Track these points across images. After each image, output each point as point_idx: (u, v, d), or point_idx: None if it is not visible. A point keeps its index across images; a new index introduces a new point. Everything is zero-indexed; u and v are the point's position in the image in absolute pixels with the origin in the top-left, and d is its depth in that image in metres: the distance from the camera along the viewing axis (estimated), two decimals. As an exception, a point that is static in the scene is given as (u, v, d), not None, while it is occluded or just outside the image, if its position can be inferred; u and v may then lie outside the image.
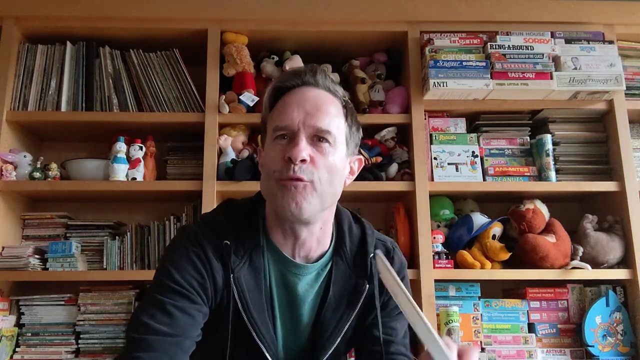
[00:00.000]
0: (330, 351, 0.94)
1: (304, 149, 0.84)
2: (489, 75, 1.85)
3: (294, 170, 0.84)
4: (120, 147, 1.88)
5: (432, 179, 1.89)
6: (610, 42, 1.93)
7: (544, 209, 1.90)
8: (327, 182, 0.87)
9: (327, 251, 0.96)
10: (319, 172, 0.85)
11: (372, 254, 0.97)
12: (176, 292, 0.84)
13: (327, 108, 0.88)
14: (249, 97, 1.89)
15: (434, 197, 1.92)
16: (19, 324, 1.83)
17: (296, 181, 0.84)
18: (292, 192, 0.84)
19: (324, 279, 0.95)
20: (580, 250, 1.84)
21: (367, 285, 0.95)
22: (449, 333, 1.74)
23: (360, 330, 1.00)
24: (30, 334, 1.81)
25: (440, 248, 1.84)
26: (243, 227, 0.93)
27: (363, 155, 1.90)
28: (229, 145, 1.88)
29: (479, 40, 1.94)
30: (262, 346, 0.89)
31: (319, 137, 0.87)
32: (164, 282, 0.85)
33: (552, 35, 1.94)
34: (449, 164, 1.91)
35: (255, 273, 0.90)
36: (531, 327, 1.86)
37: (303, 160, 0.84)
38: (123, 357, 0.80)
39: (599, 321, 1.82)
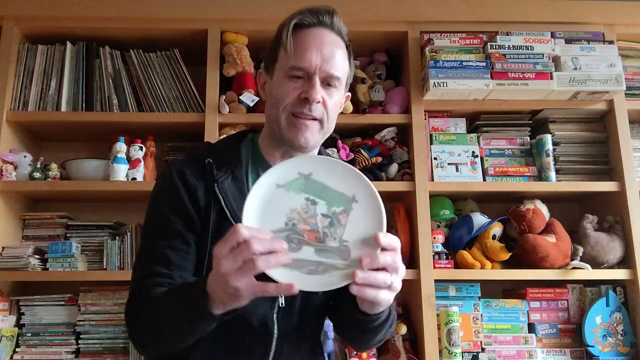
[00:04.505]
0: None
1: (319, 92, 0.95)
2: (489, 75, 1.85)
3: (310, 109, 0.96)
4: (120, 147, 1.88)
5: (432, 179, 1.89)
6: (610, 42, 1.93)
7: (544, 209, 1.90)
8: (332, 119, 1.00)
9: None
10: (328, 112, 0.98)
11: None
12: (167, 234, 0.95)
13: (339, 55, 0.98)
14: (249, 97, 1.89)
15: (434, 197, 1.93)
16: (19, 324, 1.83)
17: (309, 120, 0.96)
18: (302, 128, 0.97)
19: None
20: (580, 250, 1.84)
21: None
22: (449, 333, 1.74)
23: None
24: (30, 334, 1.81)
25: (440, 248, 1.84)
26: (224, 150, 1.04)
27: (363, 156, 1.91)
28: (229, 145, 1.88)
29: (479, 40, 1.94)
30: None
31: (329, 82, 0.98)
32: (152, 226, 0.99)
33: (552, 35, 1.94)
34: (449, 164, 1.91)
35: (239, 184, 0.99)
36: (531, 327, 1.86)
37: (317, 102, 0.95)
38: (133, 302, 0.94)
39: (599, 321, 1.82)
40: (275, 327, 0.96)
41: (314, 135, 0.98)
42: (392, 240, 0.78)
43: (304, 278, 0.76)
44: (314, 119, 0.97)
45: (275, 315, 0.96)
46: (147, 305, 0.90)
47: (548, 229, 1.88)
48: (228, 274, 0.71)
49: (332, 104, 0.98)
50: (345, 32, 1.02)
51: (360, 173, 0.79)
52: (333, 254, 0.77)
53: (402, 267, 0.79)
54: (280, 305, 0.96)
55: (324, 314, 1.08)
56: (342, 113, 1.87)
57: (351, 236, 0.77)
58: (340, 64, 0.98)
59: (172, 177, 0.99)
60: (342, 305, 1.02)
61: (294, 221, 0.77)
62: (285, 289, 0.72)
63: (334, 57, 0.97)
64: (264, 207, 0.77)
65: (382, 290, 0.77)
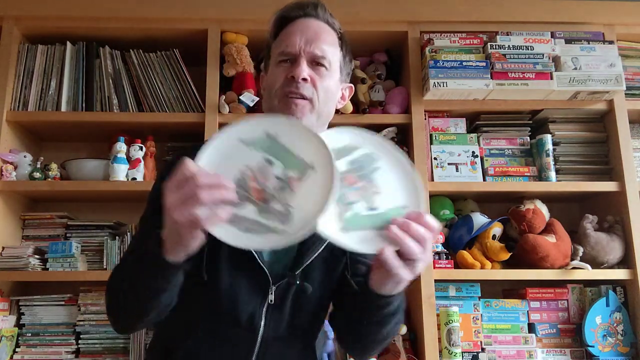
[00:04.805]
0: (314, 256, 0.96)
1: (305, 70, 0.96)
2: (489, 75, 1.85)
3: (297, 87, 0.95)
4: (120, 147, 1.88)
5: (432, 179, 1.89)
6: (610, 42, 1.93)
7: (544, 209, 1.90)
8: (324, 101, 0.98)
9: None
10: (317, 92, 0.97)
11: None
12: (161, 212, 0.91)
13: (324, 37, 0.99)
14: (249, 97, 1.89)
15: (434, 197, 1.93)
16: (19, 324, 1.83)
17: (298, 99, 0.95)
18: (293, 108, 0.95)
19: None
20: (580, 250, 1.84)
21: None
22: (449, 333, 1.74)
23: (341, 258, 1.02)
24: (30, 334, 1.81)
25: (440, 248, 1.84)
26: None
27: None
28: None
29: (479, 40, 1.94)
30: None
31: (317, 62, 0.98)
32: (150, 206, 0.98)
33: (552, 35, 1.94)
34: (449, 164, 1.91)
35: None
36: (531, 327, 1.86)
37: (304, 79, 0.95)
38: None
39: (599, 321, 1.82)
40: (262, 323, 0.96)
41: (306, 116, 0.96)
42: (428, 220, 0.77)
43: (239, 235, 0.74)
44: (304, 98, 0.95)
45: (264, 312, 0.96)
46: (116, 269, 0.91)
47: (548, 229, 1.88)
48: (171, 207, 0.70)
49: (324, 85, 0.97)
50: (335, 23, 1.03)
51: (326, 145, 0.76)
52: (274, 216, 0.75)
53: (428, 253, 0.78)
54: (270, 302, 0.96)
55: (320, 316, 1.07)
56: (342, 113, 1.90)
57: (297, 203, 0.75)
58: (327, 47, 0.98)
59: (174, 162, 0.99)
60: (346, 298, 1.00)
61: (245, 177, 0.76)
62: (219, 218, 0.70)
63: (319, 38, 0.98)
64: (220, 158, 0.76)
65: (405, 265, 0.77)
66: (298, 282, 0.95)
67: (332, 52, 0.99)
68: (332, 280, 1.03)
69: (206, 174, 0.71)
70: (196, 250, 0.76)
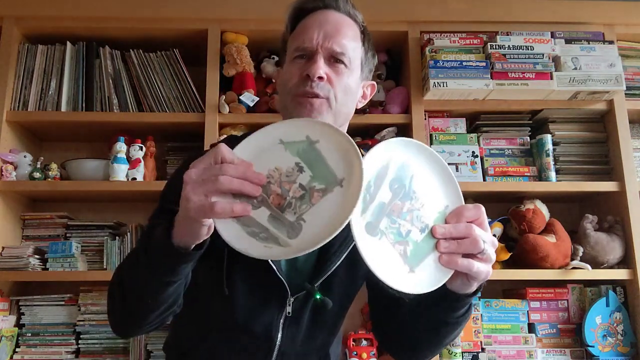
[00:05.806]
0: (335, 267, 0.92)
1: (321, 67, 0.88)
2: (489, 75, 1.85)
3: (312, 86, 0.88)
4: (120, 147, 1.88)
5: (432, 179, 1.88)
6: (610, 42, 1.93)
7: (544, 209, 1.90)
8: (342, 101, 0.91)
9: None
10: (335, 91, 0.89)
11: None
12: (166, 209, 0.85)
13: (345, 31, 0.92)
14: (249, 97, 1.89)
15: (434, 197, 1.92)
16: (19, 324, 1.83)
17: (313, 98, 0.88)
18: (308, 108, 0.88)
19: None
20: (581, 250, 1.84)
21: None
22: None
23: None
24: (30, 334, 1.81)
25: (440, 248, 1.83)
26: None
27: (363, 156, 1.90)
28: (229, 145, 1.88)
29: (479, 40, 1.94)
30: None
31: (335, 59, 0.90)
32: (160, 202, 0.92)
33: (552, 35, 1.94)
34: (449, 164, 1.87)
35: None
36: (531, 327, 1.86)
37: (320, 78, 0.88)
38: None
39: (599, 321, 1.82)
40: (280, 335, 0.92)
41: (323, 115, 0.89)
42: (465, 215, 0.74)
43: (242, 235, 0.69)
44: (318, 96, 0.88)
45: (281, 324, 0.93)
46: (118, 267, 0.86)
47: (548, 229, 1.88)
48: (188, 183, 0.67)
49: (342, 84, 0.90)
50: (357, 15, 0.96)
51: (366, 166, 0.70)
52: (284, 227, 0.69)
53: (487, 235, 0.75)
54: (287, 314, 0.92)
55: (338, 324, 1.05)
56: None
57: (311, 218, 0.69)
58: (348, 42, 0.91)
59: (195, 156, 0.94)
60: (395, 307, 0.95)
61: (270, 180, 0.71)
62: (232, 211, 0.66)
63: (339, 33, 0.90)
64: (255, 153, 0.73)
65: (475, 260, 0.74)
66: (318, 297, 0.91)
67: (352, 47, 0.92)
68: (354, 289, 1.00)
69: (238, 161, 0.68)
70: (205, 238, 0.71)
